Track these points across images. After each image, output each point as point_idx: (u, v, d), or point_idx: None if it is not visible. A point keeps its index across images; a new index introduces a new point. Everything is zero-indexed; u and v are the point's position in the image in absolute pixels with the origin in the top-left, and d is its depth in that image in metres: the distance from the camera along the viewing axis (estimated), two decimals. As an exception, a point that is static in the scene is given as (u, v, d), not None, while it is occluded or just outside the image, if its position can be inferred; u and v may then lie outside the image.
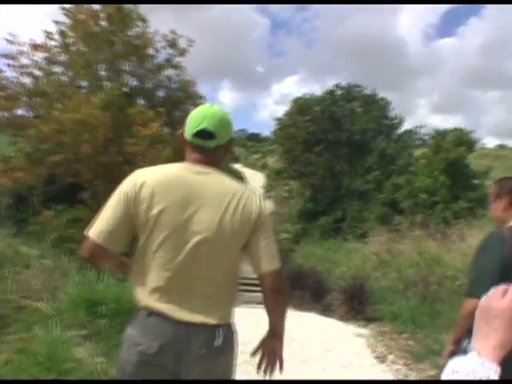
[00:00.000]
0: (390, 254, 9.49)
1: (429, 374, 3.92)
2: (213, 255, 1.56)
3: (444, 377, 1.53)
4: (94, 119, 8.12)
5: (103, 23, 10.78)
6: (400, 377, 3.90)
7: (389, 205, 16.54)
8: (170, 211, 1.53)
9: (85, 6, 10.52)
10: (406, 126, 21.99)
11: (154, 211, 1.53)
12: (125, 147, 8.63)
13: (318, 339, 4.90)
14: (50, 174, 9.65)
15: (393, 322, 5.78)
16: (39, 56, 10.06)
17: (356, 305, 6.46)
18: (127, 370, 1.57)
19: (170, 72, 12.21)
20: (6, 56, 9.62)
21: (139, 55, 11.38)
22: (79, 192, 9.76)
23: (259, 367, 1.80)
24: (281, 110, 46.92)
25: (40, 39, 10.13)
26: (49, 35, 10.21)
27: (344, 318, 6.41)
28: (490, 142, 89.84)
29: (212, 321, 1.55)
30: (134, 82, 12.12)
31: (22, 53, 9.77)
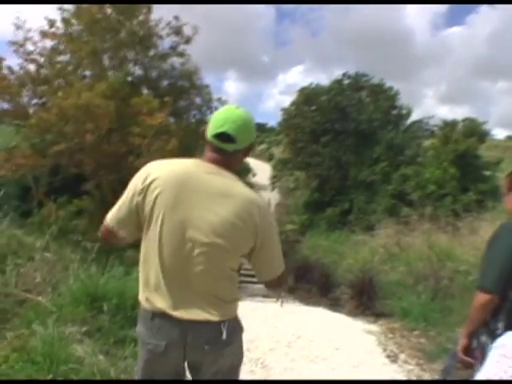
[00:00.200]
0: (398, 247, 9.30)
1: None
2: (210, 256, 1.54)
3: (493, 348, 1.47)
4: (97, 108, 7.96)
5: (108, 11, 10.60)
6: (413, 378, 3.75)
7: (397, 196, 16.33)
8: (172, 207, 1.53)
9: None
10: (413, 116, 21.65)
11: (157, 206, 1.54)
12: (129, 137, 8.48)
13: (327, 336, 4.75)
14: (54, 165, 9.56)
15: (403, 318, 5.61)
16: (46, 43, 9.97)
17: (365, 300, 6.31)
18: (141, 364, 1.68)
19: (174, 60, 12.02)
20: (13, 43, 9.56)
21: (144, 43, 11.20)
22: (83, 183, 9.67)
23: None
24: (286, 101, 46.65)
25: (45, 26, 10.03)
26: (52, 23, 10.05)
27: (353, 313, 6.26)
28: (499, 134, 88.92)
29: (215, 318, 1.56)
30: (138, 71, 11.96)
31: (27, 39, 9.68)
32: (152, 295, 1.59)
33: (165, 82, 12.46)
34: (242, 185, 1.61)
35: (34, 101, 9.84)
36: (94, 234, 8.18)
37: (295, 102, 22.68)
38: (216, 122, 1.60)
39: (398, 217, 12.45)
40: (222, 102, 12.58)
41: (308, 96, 22.01)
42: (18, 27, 9.65)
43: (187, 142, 9.73)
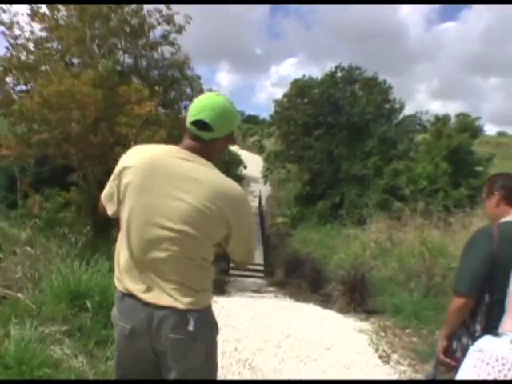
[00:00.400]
0: (390, 242, 9.22)
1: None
2: (176, 243, 1.51)
3: (471, 352, 1.43)
4: (84, 95, 7.70)
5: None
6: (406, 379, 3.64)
7: (388, 191, 16.26)
8: (141, 192, 1.53)
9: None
10: (405, 111, 21.58)
11: (128, 191, 1.55)
12: (116, 127, 8.23)
13: (318, 335, 4.63)
14: (41, 156, 9.28)
15: (395, 315, 5.51)
16: (34, 27, 9.65)
17: (357, 296, 6.19)
18: (116, 349, 1.68)
19: (165, 49, 11.76)
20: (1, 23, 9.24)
21: (135, 32, 10.91)
22: (71, 174, 9.42)
23: None
24: (279, 93, 46.33)
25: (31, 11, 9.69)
26: (35, 10, 9.72)
27: (344, 310, 6.15)
28: (490, 130, 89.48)
29: (180, 305, 1.51)
30: (128, 60, 11.68)
31: (14, 23, 9.37)
32: (122, 276, 1.60)
33: (155, 72, 12.20)
34: (217, 173, 1.57)
35: (19, 88, 9.55)
36: (80, 227, 7.97)
37: (288, 94, 22.48)
38: (195, 109, 1.59)
39: (389, 211, 12.38)
40: (214, 94, 12.33)
41: (301, 88, 21.81)
42: (3, 10, 9.32)
43: (177, 132, 9.52)
